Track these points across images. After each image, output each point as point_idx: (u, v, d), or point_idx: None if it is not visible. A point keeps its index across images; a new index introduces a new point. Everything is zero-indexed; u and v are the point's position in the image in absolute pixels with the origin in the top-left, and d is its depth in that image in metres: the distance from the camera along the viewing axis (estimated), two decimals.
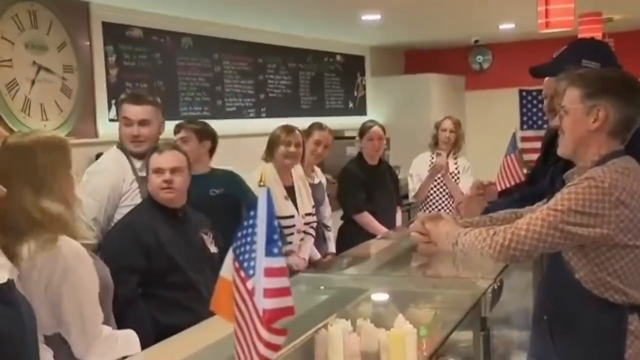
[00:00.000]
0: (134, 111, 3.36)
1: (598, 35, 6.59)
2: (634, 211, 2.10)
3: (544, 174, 2.77)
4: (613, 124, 2.17)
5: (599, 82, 2.20)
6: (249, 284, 1.31)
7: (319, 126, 4.62)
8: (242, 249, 1.34)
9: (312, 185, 4.49)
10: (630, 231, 2.10)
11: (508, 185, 3.50)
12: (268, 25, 7.16)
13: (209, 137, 4.00)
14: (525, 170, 3.61)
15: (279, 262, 1.27)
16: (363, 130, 5.00)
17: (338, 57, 8.78)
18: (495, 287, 2.51)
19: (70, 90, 5.34)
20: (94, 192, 3.24)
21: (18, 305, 1.78)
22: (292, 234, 4.14)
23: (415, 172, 5.40)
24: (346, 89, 8.95)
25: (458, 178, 5.31)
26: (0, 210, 2.00)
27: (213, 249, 3.19)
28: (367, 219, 4.81)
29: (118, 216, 3.25)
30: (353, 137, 5.50)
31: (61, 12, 5.23)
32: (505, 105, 9.11)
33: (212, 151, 4.02)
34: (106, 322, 2.38)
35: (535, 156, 3.53)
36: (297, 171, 4.35)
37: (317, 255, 4.47)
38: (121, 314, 2.61)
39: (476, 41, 9.37)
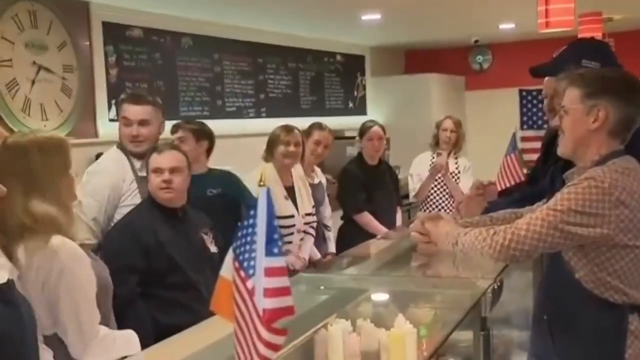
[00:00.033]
0: (133, 111, 3.36)
1: (598, 35, 6.59)
2: (634, 211, 2.10)
3: (544, 174, 2.77)
4: (613, 124, 2.17)
5: (599, 82, 2.20)
6: (249, 284, 1.31)
7: (319, 126, 4.62)
8: (242, 249, 1.34)
9: (312, 185, 4.49)
10: (630, 231, 2.10)
11: (508, 185, 3.50)
12: (268, 25, 7.16)
13: (207, 137, 4.00)
14: (525, 170, 3.61)
15: (279, 262, 1.27)
16: (363, 130, 5.00)
17: (338, 57, 8.79)
18: (495, 287, 2.51)
19: (70, 90, 5.34)
20: (94, 192, 3.24)
21: (18, 305, 1.78)
22: (292, 233, 4.14)
23: (415, 171, 5.40)
24: (346, 89, 8.96)
25: (458, 178, 5.31)
26: (0, 210, 2.01)
27: (213, 248, 3.19)
28: (367, 219, 4.81)
29: (118, 216, 3.25)
30: (353, 137, 5.50)
31: (61, 12, 5.23)
32: (505, 105, 9.11)
33: (209, 151, 4.02)
34: (106, 322, 2.38)
35: (535, 156, 3.53)
36: (297, 171, 4.35)
37: (317, 255, 4.47)
38: (121, 314, 2.61)
39: (476, 41, 9.37)
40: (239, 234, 1.36)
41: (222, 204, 3.73)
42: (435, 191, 5.29)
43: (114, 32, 5.75)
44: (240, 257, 1.34)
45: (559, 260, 2.22)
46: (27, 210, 2.14)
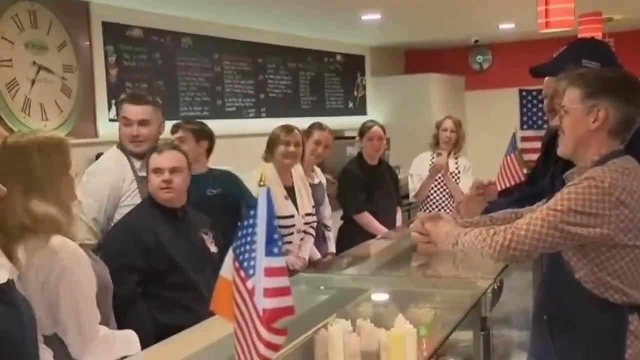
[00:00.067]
0: (133, 111, 3.36)
1: (598, 35, 6.59)
2: (634, 211, 2.10)
3: (544, 174, 2.77)
4: (613, 124, 2.17)
5: (599, 82, 2.20)
6: (249, 284, 1.31)
7: (319, 126, 4.62)
8: (242, 249, 1.34)
9: (312, 185, 4.49)
10: (630, 231, 2.10)
11: (508, 185, 3.50)
12: (268, 25, 7.16)
13: (206, 137, 3.99)
14: (525, 170, 3.60)
15: (279, 262, 1.27)
16: (363, 130, 5.00)
17: (338, 57, 8.79)
18: (495, 287, 2.51)
19: (70, 90, 5.34)
20: (94, 192, 3.24)
21: (18, 305, 1.78)
22: (292, 233, 4.14)
23: (415, 171, 5.40)
24: (346, 89, 8.96)
25: (458, 178, 5.30)
26: (0, 210, 2.01)
27: (213, 248, 3.19)
28: (367, 219, 4.81)
29: (118, 216, 3.25)
30: (353, 137, 5.50)
31: (61, 12, 5.23)
32: (505, 105, 9.11)
33: (209, 151, 4.02)
34: (106, 322, 2.38)
35: (535, 156, 3.53)
36: (297, 171, 4.35)
37: (317, 255, 4.47)
38: (121, 313, 2.61)
39: (476, 41, 9.37)
40: (239, 234, 1.36)
41: (222, 204, 3.73)
42: (435, 191, 5.29)
43: (114, 32, 5.75)
44: (240, 257, 1.34)
45: (559, 260, 2.22)
46: (27, 210, 2.14)
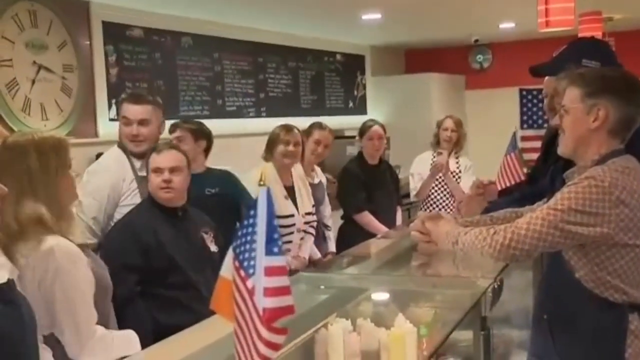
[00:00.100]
0: (133, 110, 3.36)
1: (598, 35, 6.59)
2: (634, 210, 2.10)
3: (544, 173, 2.77)
4: (613, 123, 2.17)
5: (599, 81, 2.20)
6: (249, 283, 1.31)
7: (319, 126, 4.62)
8: (242, 248, 1.34)
9: (312, 185, 4.49)
10: (630, 230, 2.10)
11: (508, 185, 3.49)
12: (268, 24, 7.16)
13: (205, 137, 3.99)
14: (525, 170, 3.60)
15: (279, 261, 1.27)
16: (363, 130, 5.00)
17: (338, 57, 8.79)
18: (496, 286, 2.51)
19: (71, 89, 5.34)
20: (94, 192, 3.24)
21: (19, 305, 1.78)
22: (292, 233, 4.14)
23: (416, 171, 5.40)
24: (346, 88, 8.96)
25: (459, 177, 5.30)
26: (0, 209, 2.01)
27: (213, 248, 3.19)
28: (367, 218, 4.81)
29: (118, 215, 3.25)
30: (353, 137, 5.50)
31: (61, 11, 5.23)
32: (506, 105, 9.11)
33: (207, 151, 4.02)
34: (106, 322, 2.38)
35: (535, 155, 3.53)
36: (297, 170, 4.35)
37: (317, 255, 4.47)
38: (120, 313, 2.61)
39: (476, 40, 9.37)
40: (239, 233, 1.36)
41: (220, 204, 3.73)
42: (436, 190, 5.29)
43: (114, 32, 5.75)
44: (240, 257, 1.34)
45: (559, 260, 2.22)
46: (26, 210, 2.14)
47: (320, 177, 4.73)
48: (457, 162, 5.36)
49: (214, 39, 6.82)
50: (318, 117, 5.67)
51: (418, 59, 9.90)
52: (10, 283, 1.75)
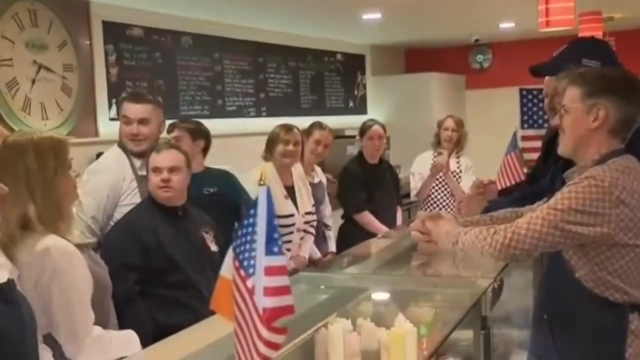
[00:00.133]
0: (133, 109, 3.36)
1: (598, 34, 6.59)
2: (634, 210, 2.10)
3: (545, 173, 2.77)
4: (613, 123, 2.16)
5: (599, 81, 2.20)
6: (249, 283, 1.31)
7: (319, 125, 4.62)
8: (242, 248, 1.34)
9: (312, 185, 4.49)
10: (630, 230, 2.10)
11: (508, 184, 3.49)
12: (268, 24, 7.16)
13: (203, 137, 3.99)
14: (525, 169, 3.60)
15: (279, 261, 1.27)
16: (363, 130, 4.99)
17: (338, 56, 8.78)
18: (496, 286, 2.51)
19: (71, 89, 5.34)
20: (94, 191, 3.24)
21: (19, 305, 1.78)
22: (291, 232, 4.14)
23: (417, 170, 5.40)
24: (346, 88, 8.95)
25: (460, 177, 5.30)
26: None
27: (214, 247, 3.19)
28: (367, 218, 4.81)
29: (118, 215, 3.25)
30: (353, 136, 5.50)
31: (61, 11, 5.23)
32: (506, 104, 9.11)
33: (205, 150, 4.01)
34: (106, 322, 2.37)
35: (535, 155, 3.53)
36: (297, 170, 4.35)
37: (318, 254, 4.47)
38: (120, 312, 2.61)
39: (476, 40, 9.37)
40: (239, 233, 1.36)
41: (219, 203, 3.73)
42: (436, 190, 5.29)
43: (114, 31, 5.75)
44: (240, 256, 1.34)
45: (559, 260, 2.22)
46: (25, 210, 2.14)
47: (320, 176, 4.73)
48: (458, 162, 5.36)
49: (214, 39, 6.81)
50: (318, 116, 5.66)
51: (418, 58, 9.89)
52: (10, 283, 1.75)
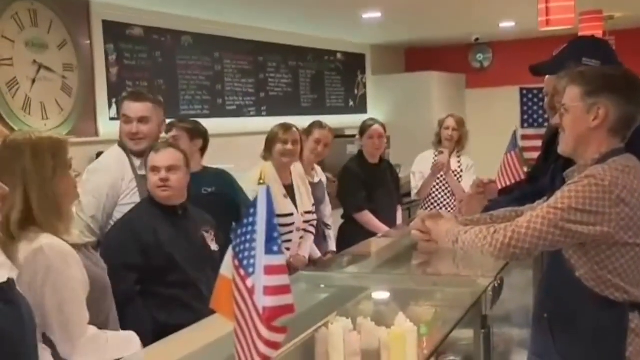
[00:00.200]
0: (133, 108, 3.36)
1: (599, 33, 6.58)
2: (635, 209, 2.10)
3: (545, 172, 2.77)
4: (613, 122, 2.16)
5: (600, 80, 2.20)
6: (249, 282, 1.31)
7: (319, 125, 4.62)
8: (242, 247, 1.34)
9: (312, 184, 4.49)
10: (630, 229, 2.10)
11: (508, 184, 3.50)
12: (268, 23, 7.16)
13: (201, 136, 3.99)
14: (525, 169, 3.61)
15: (278, 260, 1.27)
16: (363, 129, 4.99)
17: (338, 56, 8.78)
18: (496, 285, 2.51)
19: (71, 88, 5.34)
20: (93, 190, 3.23)
21: (19, 304, 1.78)
22: (291, 232, 4.14)
23: (417, 169, 5.40)
24: (347, 87, 8.95)
25: (461, 176, 5.30)
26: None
27: (214, 246, 3.19)
28: (367, 217, 4.80)
29: (117, 214, 3.25)
30: (353, 136, 5.50)
31: (61, 10, 5.23)
32: (506, 104, 9.11)
33: (203, 150, 4.01)
34: (106, 321, 2.37)
35: (535, 154, 3.53)
36: (297, 169, 4.35)
37: (318, 254, 4.47)
38: (120, 312, 2.60)
39: (477, 39, 9.37)
40: (239, 232, 1.36)
41: (217, 203, 3.72)
42: (436, 189, 5.29)
43: (115, 31, 5.75)
44: (240, 256, 1.34)
45: (560, 259, 2.22)
46: (24, 210, 2.14)
47: (320, 176, 4.73)
48: (459, 161, 5.36)
49: (214, 38, 6.81)
50: (318, 116, 5.67)
51: (418, 57, 9.89)
52: (10, 282, 1.75)
